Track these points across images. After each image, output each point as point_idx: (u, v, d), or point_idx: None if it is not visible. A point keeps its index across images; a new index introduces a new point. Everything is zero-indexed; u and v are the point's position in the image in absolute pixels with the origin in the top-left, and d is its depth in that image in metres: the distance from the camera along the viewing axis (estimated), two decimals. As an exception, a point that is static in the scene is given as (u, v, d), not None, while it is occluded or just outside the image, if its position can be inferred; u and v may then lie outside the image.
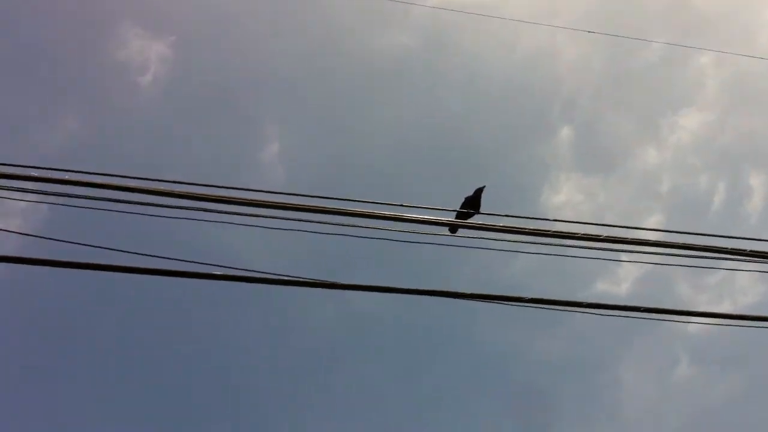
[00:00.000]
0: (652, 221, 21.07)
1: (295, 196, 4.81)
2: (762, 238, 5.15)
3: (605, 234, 4.80)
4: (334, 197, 4.79)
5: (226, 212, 4.68)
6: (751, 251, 4.93)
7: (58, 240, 4.84)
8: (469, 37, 22.83)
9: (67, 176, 4.65)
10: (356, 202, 4.79)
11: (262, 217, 4.76)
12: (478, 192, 7.24)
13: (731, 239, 5.09)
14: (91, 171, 4.70)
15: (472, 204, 7.12)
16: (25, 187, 4.70)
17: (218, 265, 4.22)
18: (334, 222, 4.88)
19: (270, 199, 4.70)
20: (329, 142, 21.14)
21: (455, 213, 6.33)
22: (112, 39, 20.55)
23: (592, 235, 4.86)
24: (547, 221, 5.06)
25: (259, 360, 18.59)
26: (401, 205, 4.81)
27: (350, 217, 4.77)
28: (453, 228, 5.52)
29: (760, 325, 4.79)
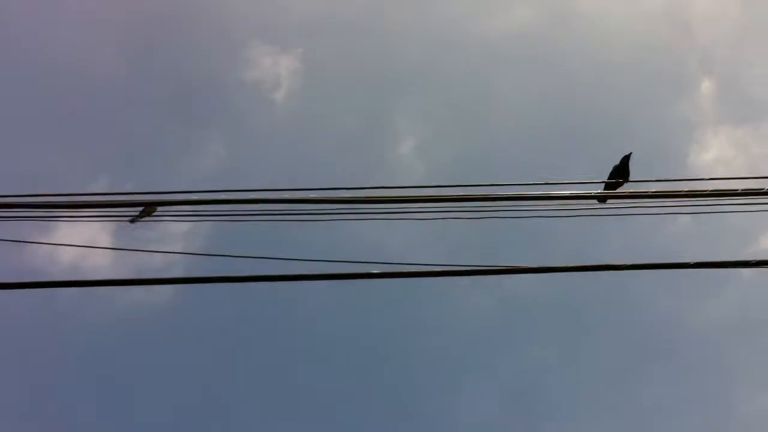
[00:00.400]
0: (815, 167, 19.61)
1: (438, 188, 4.87)
2: None
3: (766, 187, 4.56)
4: (476, 184, 4.82)
5: (375, 212, 4.81)
6: None
7: (236, 256, 5.07)
8: (591, 1, 22.14)
9: (222, 196, 4.94)
10: (499, 187, 4.80)
11: (407, 212, 4.87)
12: (625, 159, 7.06)
13: None
14: (242, 188, 5.00)
15: (621, 173, 6.95)
16: (182, 211, 5.00)
17: (375, 263, 4.34)
18: (478, 209, 4.91)
19: (413, 194, 4.79)
20: (463, 131, 21.11)
21: (603, 184, 6.17)
22: (242, 60, 21.44)
23: (752, 189, 4.62)
24: (702, 180, 4.86)
25: (425, 353, 18.86)
26: (546, 183, 4.77)
27: (494, 202, 4.79)
28: (602, 199, 5.41)
29: None
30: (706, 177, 4.80)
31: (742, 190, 4.68)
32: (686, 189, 4.71)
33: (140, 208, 4.79)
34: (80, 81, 19.70)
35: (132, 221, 4.88)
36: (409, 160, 21.16)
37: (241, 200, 4.94)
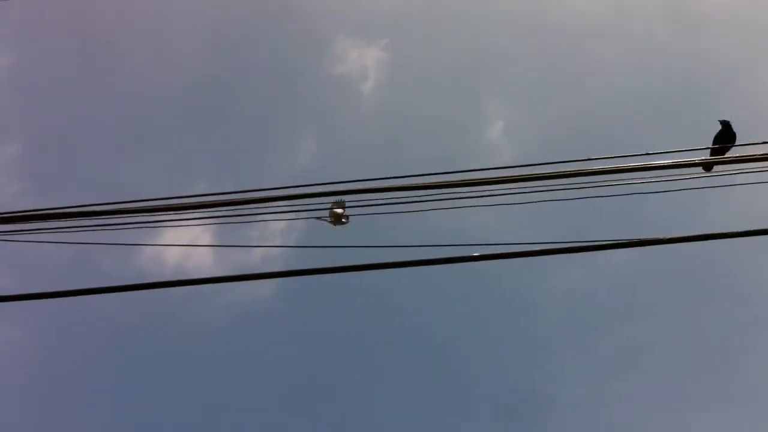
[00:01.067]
0: None
1: (530, 167, 4.81)
2: None
3: None
4: (572, 159, 4.73)
5: (464, 197, 4.80)
6: None
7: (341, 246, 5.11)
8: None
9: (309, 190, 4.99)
10: (592, 161, 4.71)
11: (501, 194, 4.83)
12: (725, 125, 6.78)
13: None
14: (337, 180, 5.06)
15: (724, 138, 6.69)
16: (275, 207, 5.07)
17: (474, 245, 4.34)
18: (573, 186, 4.82)
19: (505, 175, 4.75)
20: (555, 109, 20.72)
21: (709, 150, 5.96)
22: (330, 55, 21.70)
23: None
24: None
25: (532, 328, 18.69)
26: (646, 154, 4.63)
27: (588, 177, 4.69)
28: (707, 166, 5.19)
29: None
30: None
31: None
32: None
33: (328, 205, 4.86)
34: (171, 83, 20.40)
35: (319, 218, 4.98)
36: (500, 142, 20.96)
37: (342, 192, 4.98)
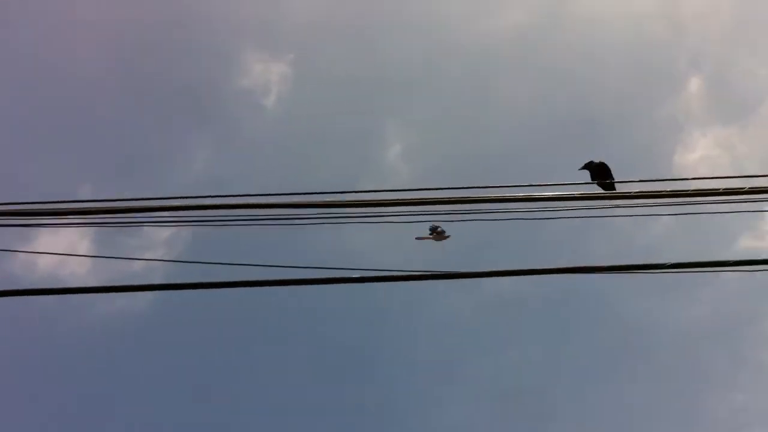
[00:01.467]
0: (801, 166, 19.72)
1: (422, 191, 4.86)
2: None
3: (748, 186, 4.57)
4: (462, 186, 4.82)
5: (352, 216, 4.81)
6: None
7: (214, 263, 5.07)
8: (584, 1, 22.23)
9: (207, 201, 4.92)
10: (485, 189, 4.81)
11: (389, 215, 4.86)
12: (594, 165, 7.15)
13: None
14: (230, 194, 4.98)
15: (599, 175, 7.04)
16: (165, 217, 4.96)
17: (352, 269, 4.35)
18: (464, 212, 4.92)
19: (397, 197, 4.79)
20: (453, 134, 21.16)
21: (590, 185, 6.25)
22: (233, 67, 21.43)
23: (733, 188, 4.63)
24: (684, 180, 4.88)
25: (397, 355, 18.89)
26: (530, 185, 4.77)
27: (480, 204, 4.79)
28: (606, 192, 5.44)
29: None
30: (689, 177, 4.81)
31: (723, 189, 4.69)
32: (668, 189, 4.72)
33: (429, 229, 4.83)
34: (70, 85, 19.68)
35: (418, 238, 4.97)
36: (397, 164, 21.22)
37: (225, 206, 4.93)
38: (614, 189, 6.50)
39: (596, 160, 7.15)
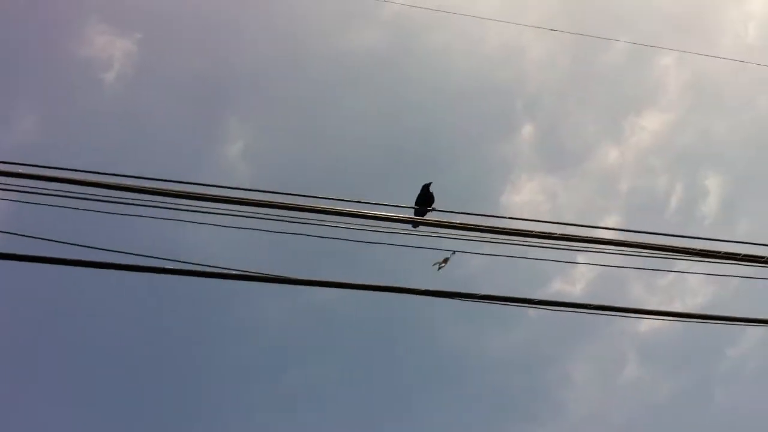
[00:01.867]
0: (610, 221, 21.32)
1: (256, 192, 4.78)
2: (714, 238, 5.25)
3: (559, 232, 4.85)
4: (296, 194, 4.79)
5: (183, 208, 4.65)
6: (702, 251, 5.02)
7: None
8: (437, 35, 22.93)
9: (21, 170, 4.58)
10: (313, 198, 4.80)
11: (220, 213, 4.75)
12: (425, 188, 7.36)
13: (685, 239, 5.17)
14: (52, 165, 4.66)
15: (424, 200, 7.25)
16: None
17: (171, 259, 4.19)
18: (295, 218, 4.88)
19: (229, 195, 4.69)
20: (293, 140, 21.11)
21: (413, 210, 6.37)
22: (76, 37, 20.26)
23: (547, 233, 4.90)
24: (504, 219, 5.10)
25: (214, 356, 18.54)
26: (359, 202, 4.82)
27: (311, 214, 4.77)
28: (415, 224, 5.54)
29: (707, 322, 4.88)
30: (508, 215, 5.04)
31: (537, 232, 4.96)
32: (489, 225, 4.93)
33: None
34: None
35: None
36: (236, 162, 20.85)
37: (43, 177, 4.61)
38: (422, 215, 6.69)
39: (427, 185, 7.36)
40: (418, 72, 22.45)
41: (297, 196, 4.83)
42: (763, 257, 5.16)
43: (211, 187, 4.73)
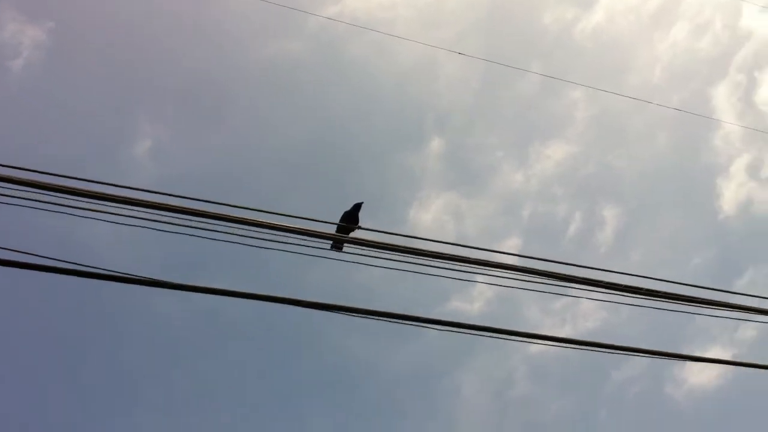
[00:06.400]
0: (510, 244, 21.86)
1: (159, 195, 4.70)
2: (608, 269, 5.48)
3: (463, 255, 4.97)
4: (200, 199, 4.74)
5: (81, 206, 4.52)
6: (596, 280, 5.23)
7: None
8: (357, 47, 23.08)
9: None
10: (208, 203, 4.76)
11: (119, 214, 4.65)
12: (356, 207, 7.39)
13: (580, 268, 5.38)
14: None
15: (351, 218, 7.25)
16: None
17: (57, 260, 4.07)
18: (197, 223, 4.81)
19: (130, 196, 4.59)
20: (203, 142, 20.79)
21: (336, 227, 6.33)
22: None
23: (457, 256, 5.02)
24: (421, 240, 5.18)
25: (105, 356, 18.00)
26: (267, 212, 4.80)
27: (205, 219, 4.72)
28: (338, 245, 5.56)
29: (596, 350, 5.09)
30: (426, 237, 5.13)
31: (448, 254, 5.07)
32: (405, 245, 5.01)
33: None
34: None
35: None
36: (143, 161, 20.34)
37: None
38: (346, 233, 6.68)
39: (358, 204, 7.39)
40: (335, 82, 22.54)
41: (201, 202, 4.77)
42: (648, 289, 5.44)
43: (111, 186, 4.62)
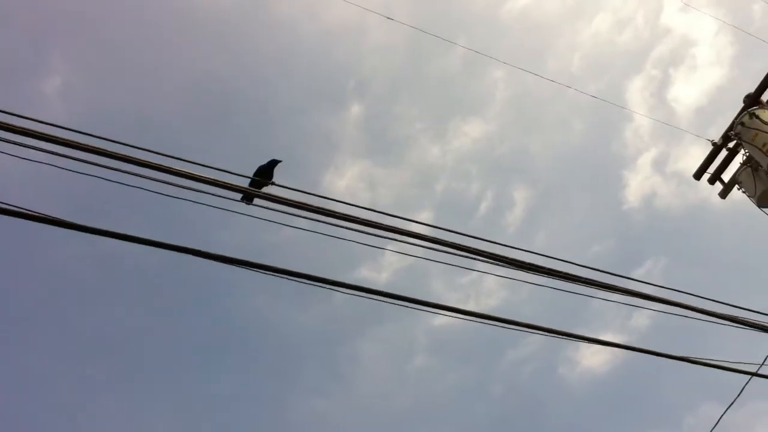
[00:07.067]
0: (422, 217, 22.12)
1: (73, 132, 4.50)
2: (514, 246, 5.60)
3: (375, 220, 4.97)
4: (107, 138, 4.56)
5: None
6: (502, 256, 5.34)
7: None
8: (285, 3, 22.70)
9: None
10: (116, 144, 4.60)
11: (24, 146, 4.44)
12: (273, 163, 7.26)
13: (489, 243, 5.47)
14: None
15: (266, 174, 7.12)
16: None
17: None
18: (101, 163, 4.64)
19: (40, 130, 4.39)
20: (116, 83, 20.07)
21: (249, 180, 6.17)
22: None
23: (370, 221, 5.00)
24: (334, 201, 5.13)
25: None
26: (173, 157, 4.66)
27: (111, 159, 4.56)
28: (248, 198, 5.43)
29: (496, 324, 5.21)
30: (340, 200, 5.07)
31: (362, 219, 5.05)
32: (317, 205, 4.95)
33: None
34: None
35: None
36: (51, 98, 19.52)
37: None
38: (259, 188, 6.53)
39: (275, 161, 7.28)
40: (261, 37, 22.11)
41: (112, 142, 4.60)
42: (549, 269, 5.59)
43: (15, 117, 4.40)
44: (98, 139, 4.59)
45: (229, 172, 4.93)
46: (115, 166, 4.62)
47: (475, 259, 5.45)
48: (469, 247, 5.28)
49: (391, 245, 5.41)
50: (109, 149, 4.55)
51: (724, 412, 7.79)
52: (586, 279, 5.82)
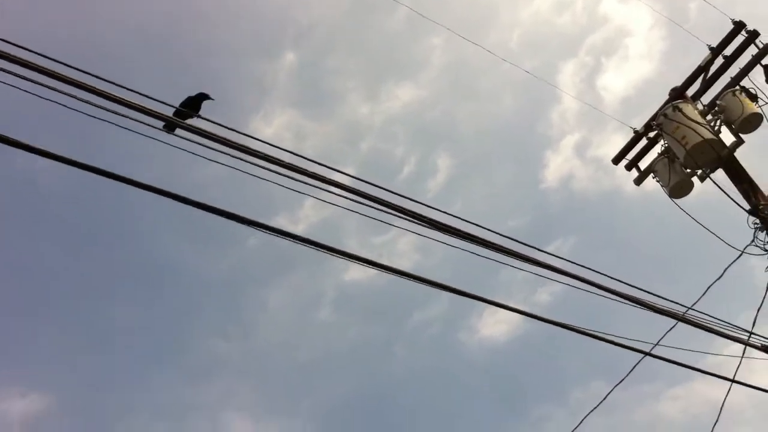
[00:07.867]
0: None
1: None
2: (435, 207, 5.68)
3: (298, 165, 4.95)
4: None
5: None
6: (420, 215, 5.42)
7: None
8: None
9: None
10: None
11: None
12: (202, 96, 7.08)
13: (409, 201, 5.53)
14: None
15: (192, 106, 6.91)
16: None
17: None
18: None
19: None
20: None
21: (174, 110, 6.02)
22: None
23: (293, 165, 4.97)
24: (253, 139, 5.07)
25: None
26: (105, 80, 4.51)
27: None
28: (170, 126, 5.27)
29: (410, 281, 5.30)
30: (266, 141, 5.00)
31: (286, 162, 5.02)
32: (241, 143, 4.88)
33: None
34: None
35: None
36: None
37: None
38: (182, 119, 6.36)
39: (210, 98, 7.10)
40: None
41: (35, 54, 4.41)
42: (465, 232, 5.70)
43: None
44: (19, 49, 4.40)
45: (155, 99, 4.81)
46: (35, 79, 4.44)
47: (394, 215, 5.50)
48: (390, 203, 5.32)
49: (313, 193, 5.40)
50: (32, 61, 4.37)
51: (612, 389, 8.15)
52: (501, 246, 5.97)
